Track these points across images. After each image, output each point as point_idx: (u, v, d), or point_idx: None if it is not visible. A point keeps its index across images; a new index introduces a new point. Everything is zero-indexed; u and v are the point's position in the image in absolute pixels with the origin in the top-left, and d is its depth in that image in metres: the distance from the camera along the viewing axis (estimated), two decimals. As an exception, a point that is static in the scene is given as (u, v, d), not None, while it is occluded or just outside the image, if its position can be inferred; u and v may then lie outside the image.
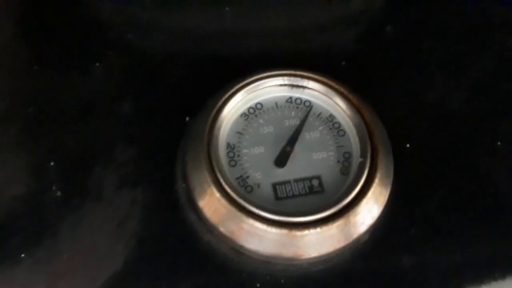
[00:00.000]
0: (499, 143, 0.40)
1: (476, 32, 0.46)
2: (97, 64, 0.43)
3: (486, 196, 0.38)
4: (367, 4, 0.48)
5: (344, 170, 0.36)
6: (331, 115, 0.38)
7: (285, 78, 0.38)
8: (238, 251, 0.35)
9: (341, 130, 0.38)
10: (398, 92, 0.43)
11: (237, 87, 0.37)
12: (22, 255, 0.34)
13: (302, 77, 0.38)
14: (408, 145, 0.39)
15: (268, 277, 0.34)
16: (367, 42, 0.46)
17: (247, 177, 0.36)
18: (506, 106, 0.42)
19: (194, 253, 0.35)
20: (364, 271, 0.35)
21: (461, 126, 0.41)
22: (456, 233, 0.36)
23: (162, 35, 0.46)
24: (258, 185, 0.35)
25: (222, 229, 0.34)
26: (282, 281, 0.34)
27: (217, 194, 0.34)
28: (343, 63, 0.44)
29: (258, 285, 0.34)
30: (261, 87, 0.38)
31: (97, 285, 0.34)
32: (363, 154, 0.35)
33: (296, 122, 0.38)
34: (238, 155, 0.36)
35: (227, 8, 0.48)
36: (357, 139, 0.36)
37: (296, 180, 0.35)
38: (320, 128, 0.38)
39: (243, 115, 0.38)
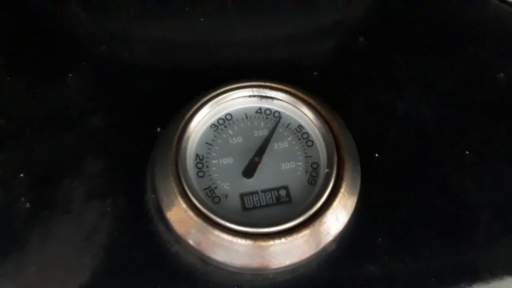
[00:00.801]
0: (467, 152, 0.40)
1: (446, 45, 0.46)
2: (70, 75, 0.43)
3: (453, 207, 0.38)
4: (340, 16, 0.49)
5: (312, 180, 0.36)
6: (300, 126, 0.38)
7: (254, 89, 0.38)
8: (206, 262, 0.35)
9: (310, 140, 0.38)
10: (369, 103, 0.43)
11: (205, 98, 0.38)
12: (-11, 267, 0.34)
13: (271, 88, 0.39)
14: (377, 155, 0.40)
15: (235, 287, 0.34)
16: (339, 53, 0.47)
17: (215, 187, 0.36)
18: (474, 117, 0.42)
19: (162, 264, 0.35)
20: (331, 280, 0.35)
21: (430, 137, 0.41)
22: (422, 243, 0.37)
23: (135, 46, 0.46)
24: (226, 196, 0.35)
25: (189, 240, 0.34)
26: (249, 291, 0.34)
27: (184, 205, 0.34)
28: (315, 73, 0.44)
29: (225, 295, 0.34)
30: (230, 98, 0.38)
31: (64, 298, 0.34)
32: (329, 165, 0.36)
33: (265, 132, 0.38)
34: (207, 166, 0.37)
35: (201, 19, 0.48)
36: (324, 149, 0.37)
37: (264, 191, 0.36)
38: (289, 138, 0.38)
39: (213, 126, 0.38)
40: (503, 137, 0.42)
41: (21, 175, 0.38)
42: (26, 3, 0.47)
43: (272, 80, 0.39)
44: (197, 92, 0.40)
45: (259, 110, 0.39)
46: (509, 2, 0.49)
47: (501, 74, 0.45)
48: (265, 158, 0.37)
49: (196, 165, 0.36)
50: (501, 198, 0.39)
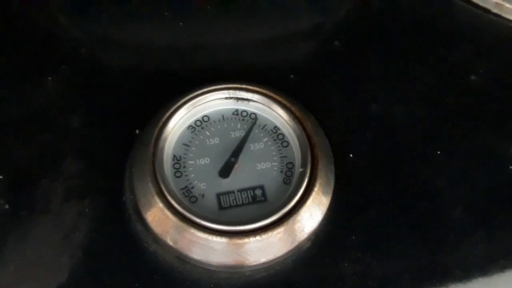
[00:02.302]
0: (438, 152, 0.42)
1: (418, 48, 0.48)
2: (49, 78, 0.44)
3: (425, 205, 0.39)
4: (316, 21, 0.50)
5: (287, 179, 0.37)
6: (275, 127, 0.39)
7: (231, 91, 0.39)
8: (183, 260, 0.35)
9: (285, 141, 0.39)
10: (344, 105, 0.44)
11: (182, 100, 0.38)
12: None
13: (247, 90, 0.39)
14: (351, 155, 0.41)
15: (212, 285, 0.35)
16: (315, 56, 0.48)
17: (192, 187, 0.36)
18: (446, 118, 0.44)
19: (140, 264, 0.36)
20: (306, 277, 0.36)
21: (403, 137, 0.42)
22: (395, 241, 0.38)
23: (114, 49, 0.47)
24: (203, 196, 0.36)
25: (166, 239, 0.35)
26: (226, 289, 0.35)
27: (161, 205, 0.34)
28: (291, 76, 0.45)
29: (202, 293, 0.34)
30: (207, 100, 0.39)
31: (42, 297, 0.34)
32: (303, 164, 0.36)
33: (242, 134, 0.39)
34: (184, 166, 0.37)
35: (181, 24, 0.49)
36: (299, 149, 0.38)
37: (240, 190, 0.36)
38: (265, 139, 0.39)
39: (190, 127, 0.39)
40: (473, 137, 0.43)
41: (0, 176, 0.38)
42: (5, 6, 0.48)
43: (248, 82, 0.40)
44: (175, 95, 0.40)
45: (236, 112, 0.40)
46: (480, 6, 0.50)
47: (473, 77, 0.46)
48: (242, 158, 0.38)
49: (173, 165, 0.37)
50: (472, 195, 0.40)
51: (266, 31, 0.49)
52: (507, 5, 0.50)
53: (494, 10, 0.50)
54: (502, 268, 0.38)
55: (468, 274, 0.37)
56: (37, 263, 0.35)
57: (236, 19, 0.49)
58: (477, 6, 0.50)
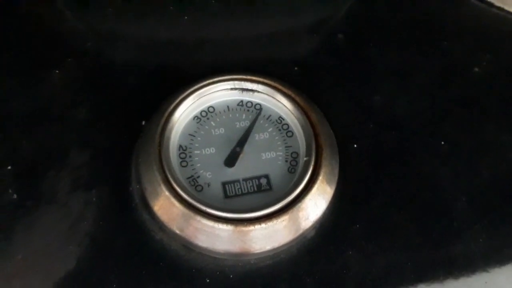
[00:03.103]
0: (442, 142, 0.42)
1: (422, 41, 0.48)
2: (56, 71, 0.44)
3: (428, 195, 0.40)
4: (320, 14, 0.50)
5: (292, 169, 0.37)
6: (280, 117, 0.40)
7: (235, 82, 0.40)
8: (189, 248, 0.36)
9: (290, 131, 0.39)
10: (348, 96, 0.44)
11: (188, 91, 0.39)
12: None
13: (252, 81, 0.40)
14: (355, 146, 0.41)
15: (217, 272, 0.35)
16: (319, 49, 0.48)
17: (198, 176, 0.37)
18: (449, 110, 0.44)
19: (146, 252, 0.36)
20: (311, 265, 0.36)
21: (406, 128, 0.43)
22: (399, 230, 0.38)
23: (120, 43, 0.47)
24: (208, 185, 0.37)
25: (172, 227, 0.35)
26: (231, 276, 0.35)
27: (167, 193, 0.35)
28: (296, 68, 0.45)
29: (207, 280, 0.35)
30: (212, 91, 0.39)
31: (49, 285, 0.35)
32: (308, 153, 0.37)
33: (247, 124, 0.39)
34: (190, 156, 0.38)
35: (186, 17, 0.49)
36: (303, 139, 0.38)
37: (245, 179, 0.37)
38: (270, 129, 0.39)
39: (196, 118, 0.39)
40: (477, 128, 0.43)
41: (9, 167, 0.39)
42: (13, 1, 0.48)
43: (253, 73, 0.40)
44: (180, 86, 0.41)
45: (241, 103, 0.40)
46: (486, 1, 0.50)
47: (476, 69, 0.47)
48: (247, 148, 0.38)
49: (179, 155, 0.37)
50: (475, 186, 0.40)
51: (270, 24, 0.49)
52: (510, -2, 0.50)
53: (497, 4, 0.51)
54: (505, 257, 0.38)
55: (471, 263, 0.38)
56: (44, 251, 0.36)
57: (241, 13, 0.50)
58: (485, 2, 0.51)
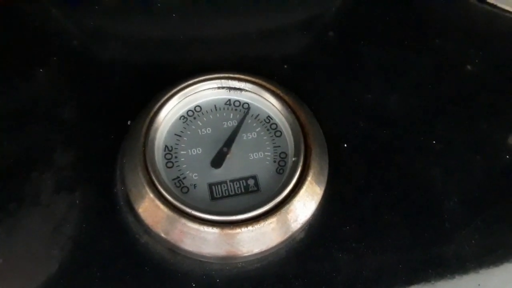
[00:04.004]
0: (433, 141, 0.41)
1: (413, 38, 0.47)
2: (40, 70, 0.43)
3: (419, 195, 0.39)
4: (310, 11, 0.49)
5: (280, 169, 0.37)
6: (268, 117, 0.39)
7: (222, 81, 0.39)
8: (174, 251, 0.35)
9: (278, 131, 0.38)
10: (338, 94, 0.44)
11: (174, 91, 0.38)
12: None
13: (240, 79, 0.39)
14: (345, 145, 0.40)
15: (204, 276, 0.35)
16: (309, 47, 0.47)
17: (184, 178, 0.36)
18: (441, 108, 0.43)
19: (131, 255, 0.35)
20: (300, 268, 0.35)
21: (397, 127, 0.42)
22: (390, 231, 0.37)
23: (106, 41, 0.46)
24: (195, 186, 0.36)
25: (157, 230, 0.34)
26: (218, 280, 0.34)
27: (151, 195, 0.34)
28: (285, 66, 0.45)
29: (193, 285, 0.34)
30: (198, 90, 0.39)
31: (32, 289, 0.34)
32: (296, 153, 0.36)
33: (234, 123, 0.38)
34: (176, 157, 0.37)
35: (173, 15, 0.48)
36: (292, 139, 0.37)
37: (232, 180, 0.36)
38: (258, 129, 0.38)
39: (182, 117, 0.39)
40: (469, 127, 0.43)
41: (-11, 169, 0.37)
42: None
43: (240, 72, 0.39)
44: (166, 86, 0.40)
45: (228, 102, 0.39)
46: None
47: (468, 66, 0.46)
48: (234, 148, 0.37)
49: (165, 156, 0.37)
50: (467, 185, 0.40)
51: (260, 21, 0.48)
52: (503, -5, 0.49)
53: (490, 0, 0.50)
54: (498, 258, 0.37)
55: (464, 265, 0.37)
56: (27, 255, 0.35)
57: (230, 10, 0.49)
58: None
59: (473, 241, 0.38)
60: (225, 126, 0.38)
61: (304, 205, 0.35)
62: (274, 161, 0.37)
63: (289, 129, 0.37)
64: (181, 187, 0.35)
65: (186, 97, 0.38)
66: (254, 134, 0.38)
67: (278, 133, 0.38)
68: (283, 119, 0.38)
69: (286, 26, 0.48)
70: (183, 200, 0.34)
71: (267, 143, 0.38)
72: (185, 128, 0.38)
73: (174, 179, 0.36)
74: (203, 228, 0.33)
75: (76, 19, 0.47)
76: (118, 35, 0.47)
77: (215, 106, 0.39)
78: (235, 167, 0.36)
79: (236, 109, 0.39)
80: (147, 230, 0.35)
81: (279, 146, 0.37)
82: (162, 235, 0.34)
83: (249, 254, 0.34)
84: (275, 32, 0.47)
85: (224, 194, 0.35)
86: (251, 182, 0.36)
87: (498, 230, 0.38)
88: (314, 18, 0.49)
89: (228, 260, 0.34)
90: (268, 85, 0.38)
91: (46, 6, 0.48)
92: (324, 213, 0.37)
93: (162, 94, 0.38)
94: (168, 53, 0.46)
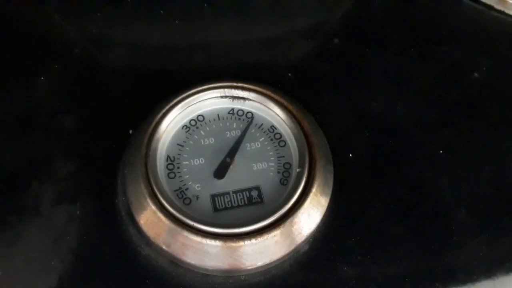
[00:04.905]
0: (441, 151, 0.40)
1: (420, 45, 0.47)
2: (42, 77, 0.43)
3: (427, 206, 0.38)
4: (315, 18, 0.49)
5: (284, 180, 0.36)
6: (272, 126, 0.38)
7: (226, 90, 0.38)
8: (176, 264, 0.34)
9: (282, 141, 0.38)
10: (343, 103, 0.43)
11: (176, 100, 0.37)
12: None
13: (243, 88, 0.38)
14: (350, 155, 0.39)
15: (206, 290, 0.34)
16: (314, 54, 0.47)
17: (186, 189, 0.35)
18: (448, 117, 0.42)
19: (132, 268, 0.35)
20: (304, 281, 0.35)
21: (404, 137, 0.41)
22: (396, 243, 0.37)
23: (109, 49, 0.46)
24: (197, 197, 0.35)
25: (159, 242, 0.34)
26: (220, 293, 0.34)
27: (153, 207, 0.33)
28: (290, 75, 0.44)
29: (195, 298, 0.33)
30: (201, 99, 0.38)
31: (32, 303, 0.33)
32: (301, 164, 0.35)
33: (238, 133, 0.38)
34: (178, 167, 0.36)
35: (176, 22, 0.48)
36: (296, 149, 0.36)
37: (235, 191, 0.35)
38: (261, 139, 0.38)
39: (185, 127, 0.38)
40: (477, 136, 0.42)
41: (-11, 178, 0.37)
42: (0, 5, 0.47)
43: (244, 81, 0.38)
44: (170, 94, 0.39)
45: (232, 111, 0.39)
46: (482, 2, 0.49)
47: (476, 74, 0.45)
48: (237, 158, 0.37)
49: (167, 166, 0.36)
50: (476, 197, 0.39)
51: (264, 29, 0.48)
52: (511, 1, 0.49)
53: (497, 7, 0.50)
54: (507, 271, 0.36)
55: (472, 277, 0.36)
56: (26, 267, 0.35)
57: (234, 18, 0.48)
58: (479, 2, 0.49)
59: (481, 254, 0.37)
60: (228, 136, 0.38)
61: (309, 217, 0.34)
62: (278, 172, 0.36)
63: (293, 139, 0.37)
64: (183, 198, 0.35)
65: (189, 106, 0.37)
66: (258, 144, 0.37)
67: (282, 143, 0.37)
68: (288, 129, 0.37)
69: (290, 33, 0.48)
70: (185, 212, 0.33)
71: (271, 153, 0.37)
72: (187, 138, 0.37)
73: (176, 190, 0.35)
74: (206, 241, 0.32)
75: (79, 26, 0.47)
76: (121, 42, 0.46)
77: (218, 115, 0.38)
78: (238, 178, 0.36)
79: (239, 119, 0.38)
80: (148, 242, 0.34)
81: (283, 157, 0.37)
82: (164, 247, 0.33)
83: (252, 267, 0.33)
84: (279, 40, 0.47)
85: (227, 206, 0.35)
86: (254, 193, 0.35)
87: (506, 242, 0.37)
88: (318, 25, 0.48)
89: (231, 274, 0.34)
90: (272, 94, 0.38)
91: (49, 13, 0.48)
92: (329, 225, 0.36)
93: (165, 103, 0.37)
94: (171, 61, 0.45)
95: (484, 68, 0.45)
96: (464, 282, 0.36)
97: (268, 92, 0.38)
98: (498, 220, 0.38)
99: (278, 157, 0.37)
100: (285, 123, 0.37)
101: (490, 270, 0.36)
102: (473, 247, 0.37)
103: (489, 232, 0.38)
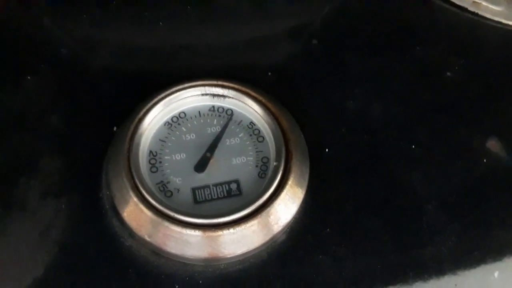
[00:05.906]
0: (413, 147, 0.42)
1: (395, 46, 0.48)
2: (28, 77, 0.44)
3: (399, 199, 0.40)
4: (295, 20, 0.50)
5: (262, 174, 0.38)
6: (251, 123, 0.40)
7: (206, 88, 0.40)
8: (158, 254, 0.36)
9: (261, 136, 0.39)
10: (321, 102, 0.45)
11: (159, 97, 0.39)
12: None
13: (223, 86, 0.40)
14: (327, 150, 0.41)
15: (187, 278, 0.35)
16: (293, 55, 0.48)
17: (168, 182, 0.37)
18: (421, 114, 0.44)
19: (116, 259, 0.36)
20: (281, 270, 0.36)
21: (378, 133, 0.43)
22: (370, 234, 0.38)
23: (95, 49, 0.47)
24: (178, 190, 0.36)
25: (141, 233, 0.35)
26: (200, 281, 0.35)
27: (136, 199, 0.35)
28: (269, 74, 0.45)
29: (177, 286, 0.35)
30: (183, 97, 0.39)
31: (18, 294, 0.34)
32: (278, 158, 0.37)
33: (218, 129, 0.39)
34: (160, 162, 0.38)
35: (160, 23, 0.49)
36: (274, 144, 0.38)
37: (215, 185, 0.37)
38: (241, 134, 0.39)
39: (167, 123, 0.39)
40: (448, 133, 0.43)
41: (-23, 175, 0.38)
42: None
43: (224, 79, 0.40)
44: (152, 93, 0.41)
45: (212, 108, 0.40)
46: (457, 4, 0.51)
47: (448, 73, 0.47)
48: (217, 153, 0.38)
49: (149, 161, 0.37)
50: (446, 190, 0.41)
51: (245, 29, 0.49)
52: (484, 3, 0.51)
53: (471, 9, 0.51)
54: (475, 261, 0.38)
55: (441, 267, 0.38)
56: (13, 260, 0.36)
57: (217, 19, 0.50)
58: (454, 4, 0.51)
59: (450, 244, 0.38)
60: (209, 131, 0.39)
61: (285, 208, 0.36)
62: (257, 166, 0.38)
63: (271, 135, 0.38)
64: (165, 191, 0.36)
65: (171, 103, 0.39)
66: (237, 140, 0.39)
67: (260, 139, 0.39)
68: (266, 125, 0.39)
69: (271, 34, 0.49)
70: (167, 204, 0.34)
71: (250, 148, 0.38)
72: (169, 134, 0.39)
73: (158, 184, 0.36)
74: (186, 231, 0.34)
75: (65, 27, 0.48)
76: (106, 43, 0.47)
77: (199, 112, 0.40)
78: (218, 171, 0.37)
79: (220, 115, 0.40)
80: (131, 233, 0.36)
81: (261, 151, 0.38)
82: (146, 238, 0.35)
83: (231, 256, 0.35)
84: (260, 40, 0.48)
85: (207, 198, 0.36)
86: (233, 186, 0.37)
87: (474, 233, 0.39)
88: (298, 27, 0.50)
89: (210, 262, 0.35)
90: (251, 92, 0.39)
91: (36, 14, 0.49)
92: (305, 216, 0.37)
93: (148, 100, 0.39)
94: (155, 61, 0.47)
95: (457, 68, 0.47)
96: (434, 271, 0.37)
97: (247, 90, 0.40)
98: (467, 213, 0.40)
99: (257, 151, 0.38)
100: (263, 119, 0.39)
101: (459, 260, 0.38)
102: (444, 238, 0.38)
103: (459, 224, 0.39)
